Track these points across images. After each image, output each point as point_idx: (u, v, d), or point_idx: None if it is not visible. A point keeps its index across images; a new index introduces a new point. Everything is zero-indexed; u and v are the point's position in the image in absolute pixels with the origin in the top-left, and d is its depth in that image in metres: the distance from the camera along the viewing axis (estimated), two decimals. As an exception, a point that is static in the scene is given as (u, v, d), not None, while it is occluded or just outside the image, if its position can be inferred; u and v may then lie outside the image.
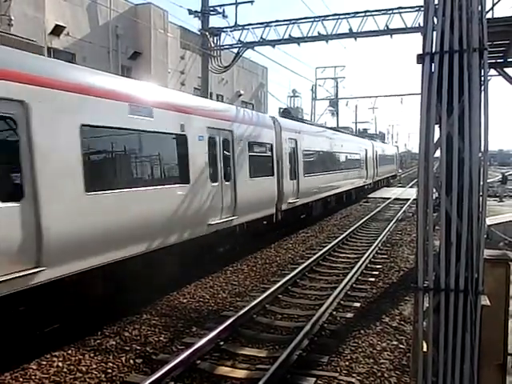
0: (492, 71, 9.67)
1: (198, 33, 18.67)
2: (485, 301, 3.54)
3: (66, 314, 6.79)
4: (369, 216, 20.32)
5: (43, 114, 6.07)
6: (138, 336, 6.94)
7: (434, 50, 3.55)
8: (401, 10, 15.89)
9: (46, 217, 5.98)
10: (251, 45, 17.80)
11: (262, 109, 33.01)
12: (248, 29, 17.54)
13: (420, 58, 3.62)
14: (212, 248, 10.89)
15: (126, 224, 7.50)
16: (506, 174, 34.89)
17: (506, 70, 9.99)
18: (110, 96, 7.37)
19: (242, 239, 12.35)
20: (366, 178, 30.29)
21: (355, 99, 48.46)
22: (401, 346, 6.59)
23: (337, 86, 44.10)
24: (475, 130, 3.44)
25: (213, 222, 10.22)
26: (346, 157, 24.83)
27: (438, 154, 3.57)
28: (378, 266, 11.27)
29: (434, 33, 3.56)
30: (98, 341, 6.74)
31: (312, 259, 11.37)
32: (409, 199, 26.42)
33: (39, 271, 5.92)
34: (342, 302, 8.51)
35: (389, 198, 28.24)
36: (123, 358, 6.15)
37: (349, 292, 9.15)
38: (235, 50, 18.38)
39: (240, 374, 5.72)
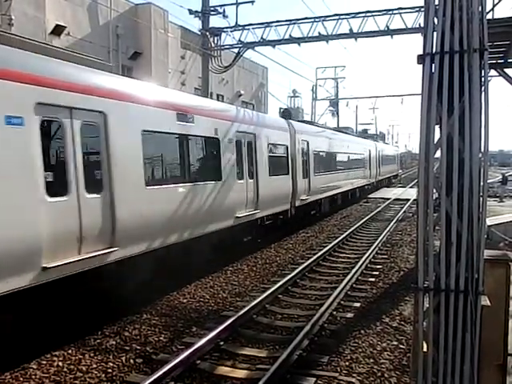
0: (492, 72, 9.69)
1: (199, 33, 18.66)
2: (485, 301, 3.54)
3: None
4: (369, 216, 20.32)
5: (116, 122, 7.31)
6: (138, 336, 6.95)
7: (434, 51, 3.56)
8: (401, 11, 15.87)
9: (118, 206, 7.25)
10: (251, 45, 17.79)
11: (262, 109, 33.01)
12: (248, 29, 17.53)
13: (420, 59, 3.62)
14: (237, 238, 12.14)
15: (174, 214, 8.79)
16: (507, 174, 34.84)
17: (506, 70, 10.00)
18: (163, 106, 8.72)
19: (262, 230, 13.68)
20: (370, 178, 31.59)
21: (356, 99, 48.69)
22: (401, 346, 6.59)
23: (337, 87, 44.10)
24: (475, 130, 3.44)
25: (240, 215, 11.57)
26: (352, 157, 26.09)
27: (438, 154, 3.58)
28: (378, 267, 11.28)
29: (435, 33, 3.57)
30: (98, 340, 6.75)
31: (312, 259, 11.39)
32: (409, 199, 26.48)
33: (113, 251, 7.12)
34: (342, 302, 8.52)
35: (389, 199, 28.25)
36: (123, 358, 6.16)
37: (349, 292, 9.15)
38: (235, 50, 18.35)
39: (240, 373, 5.73)
